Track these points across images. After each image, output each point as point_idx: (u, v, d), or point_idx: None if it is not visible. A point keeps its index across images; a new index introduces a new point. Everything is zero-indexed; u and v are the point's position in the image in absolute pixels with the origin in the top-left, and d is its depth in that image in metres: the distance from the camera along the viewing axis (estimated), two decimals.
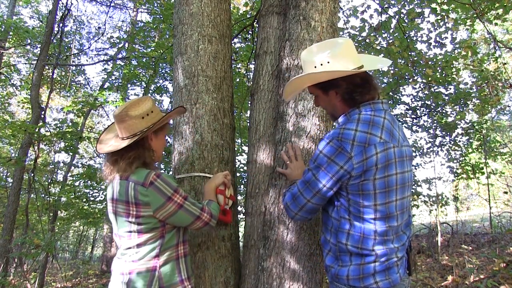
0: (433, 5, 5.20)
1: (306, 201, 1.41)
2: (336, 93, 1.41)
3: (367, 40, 5.84)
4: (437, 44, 5.75)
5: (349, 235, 1.34)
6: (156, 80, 8.21)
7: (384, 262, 1.31)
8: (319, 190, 1.36)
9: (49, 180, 9.11)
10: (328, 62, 1.35)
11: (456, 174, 7.72)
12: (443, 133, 7.47)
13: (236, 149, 3.63)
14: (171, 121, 2.30)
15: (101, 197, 8.60)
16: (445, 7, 5.13)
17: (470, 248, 6.33)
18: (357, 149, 1.27)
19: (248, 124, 2.57)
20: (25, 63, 11.66)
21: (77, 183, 8.52)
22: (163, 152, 1.79)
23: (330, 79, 1.38)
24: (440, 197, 7.47)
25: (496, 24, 5.63)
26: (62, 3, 8.00)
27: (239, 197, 5.64)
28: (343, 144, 1.28)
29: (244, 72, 6.57)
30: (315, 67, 1.38)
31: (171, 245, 1.53)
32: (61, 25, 7.94)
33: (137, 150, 1.53)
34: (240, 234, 2.52)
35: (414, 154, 7.71)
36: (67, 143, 6.77)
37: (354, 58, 1.39)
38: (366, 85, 1.38)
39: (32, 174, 6.81)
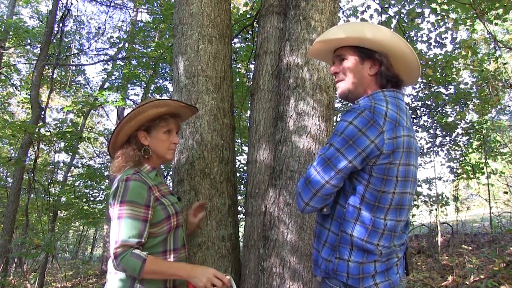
0: (433, 5, 5.19)
1: (324, 182, 1.22)
2: (371, 66, 1.35)
3: None
4: (437, 44, 5.74)
5: (356, 225, 1.24)
6: (156, 80, 8.22)
7: (385, 262, 1.26)
8: (343, 168, 1.20)
9: (49, 180, 9.11)
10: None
11: (456, 174, 7.72)
12: (443, 133, 7.47)
13: (236, 149, 3.63)
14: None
15: (101, 197, 8.61)
16: (445, 7, 5.12)
17: (470, 248, 6.32)
18: (389, 125, 1.19)
19: (248, 124, 2.57)
20: (25, 63, 11.66)
21: (77, 183, 8.53)
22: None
23: (382, 49, 1.33)
24: (440, 197, 7.46)
25: (496, 24, 5.63)
26: (62, 3, 8.01)
27: (239, 197, 5.65)
28: (376, 117, 1.19)
29: (244, 72, 6.57)
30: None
31: (155, 251, 1.45)
32: (61, 25, 7.94)
33: (124, 150, 1.53)
34: (240, 234, 2.52)
35: None
36: (67, 143, 6.78)
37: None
38: (394, 80, 1.35)
39: (32, 174, 6.81)
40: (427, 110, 7.40)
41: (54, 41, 7.96)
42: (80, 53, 10.57)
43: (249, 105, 2.65)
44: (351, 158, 1.19)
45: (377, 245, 1.23)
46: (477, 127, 7.19)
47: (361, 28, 1.34)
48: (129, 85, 9.29)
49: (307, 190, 1.26)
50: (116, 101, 6.98)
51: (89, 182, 7.87)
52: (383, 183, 1.22)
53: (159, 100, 1.55)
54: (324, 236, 1.33)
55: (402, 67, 1.37)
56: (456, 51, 6.37)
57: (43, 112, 7.10)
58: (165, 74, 8.44)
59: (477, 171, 7.38)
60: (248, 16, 6.13)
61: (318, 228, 1.38)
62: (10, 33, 9.11)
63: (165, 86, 8.60)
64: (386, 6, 5.63)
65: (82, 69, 11.39)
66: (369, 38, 1.32)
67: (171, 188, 2.09)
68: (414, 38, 6.08)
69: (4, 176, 10.38)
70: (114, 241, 1.36)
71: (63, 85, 10.68)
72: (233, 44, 4.72)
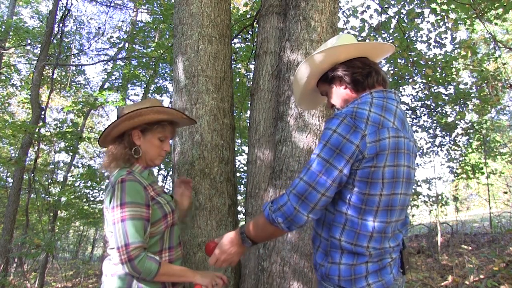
0: (433, 5, 5.20)
1: (320, 195, 1.21)
2: (339, 84, 1.41)
3: (367, 40, 5.85)
4: (437, 44, 5.75)
5: (344, 230, 1.27)
6: (156, 80, 8.22)
7: (377, 262, 1.27)
8: (335, 178, 1.20)
9: (49, 180, 9.12)
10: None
11: (456, 174, 7.72)
12: (443, 133, 7.47)
13: (236, 149, 3.63)
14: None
15: (101, 197, 8.61)
16: (445, 7, 5.12)
17: (470, 248, 6.33)
18: (371, 128, 1.20)
19: (248, 124, 2.58)
20: (25, 63, 11.66)
21: (77, 183, 8.53)
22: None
23: (333, 63, 1.40)
24: (440, 197, 7.47)
25: (496, 24, 5.64)
26: (62, 3, 8.02)
27: (239, 197, 5.65)
28: (357, 122, 1.21)
29: (244, 72, 6.57)
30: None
31: (152, 251, 1.45)
32: (61, 25, 7.94)
33: (116, 146, 1.52)
34: None
35: None
36: (67, 143, 6.78)
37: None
38: (372, 72, 1.37)
39: (32, 174, 6.82)
40: (427, 110, 7.40)
41: (54, 41, 7.96)
42: (80, 53, 10.57)
43: (249, 105, 2.65)
44: (341, 167, 1.20)
45: (367, 247, 1.25)
46: (477, 127, 7.20)
47: (306, 66, 1.44)
48: (129, 85, 9.29)
49: (304, 205, 1.23)
50: (116, 101, 6.99)
51: (89, 182, 7.86)
52: (368, 186, 1.23)
53: (161, 107, 1.54)
54: (317, 242, 1.37)
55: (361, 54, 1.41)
56: (456, 51, 6.38)
57: (43, 112, 7.11)
58: (165, 74, 8.44)
59: (477, 171, 7.38)
60: (248, 16, 6.14)
61: (313, 233, 1.42)
62: (10, 33, 9.11)
63: (165, 86, 8.61)
64: (386, 6, 5.63)
65: (82, 69, 11.39)
66: (317, 66, 1.42)
67: (165, 188, 2.08)
68: (414, 38, 6.09)
69: (4, 176, 10.38)
70: (122, 244, 1.34)
71: (63, 85, 10.68)
72: (233, 44, 4.72)
